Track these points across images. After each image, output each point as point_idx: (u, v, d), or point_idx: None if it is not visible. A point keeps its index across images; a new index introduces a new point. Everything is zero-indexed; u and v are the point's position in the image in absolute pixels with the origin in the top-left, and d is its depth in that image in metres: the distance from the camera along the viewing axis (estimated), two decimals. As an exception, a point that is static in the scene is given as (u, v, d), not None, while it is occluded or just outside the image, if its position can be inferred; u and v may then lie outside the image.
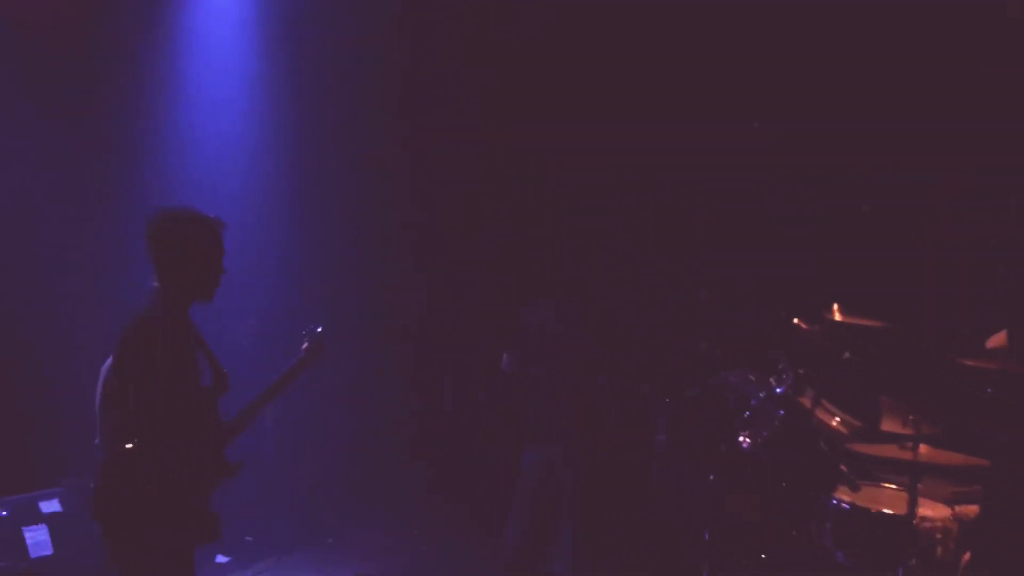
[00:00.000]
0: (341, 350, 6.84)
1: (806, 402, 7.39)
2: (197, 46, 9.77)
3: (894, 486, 7.23)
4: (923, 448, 6.71)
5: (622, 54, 9.35)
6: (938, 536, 6.79)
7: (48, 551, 8.26)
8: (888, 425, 7.23)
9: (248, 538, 8.86)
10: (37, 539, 8.26)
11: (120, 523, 5.50)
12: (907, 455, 6.72)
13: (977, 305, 7.88)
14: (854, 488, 7.07)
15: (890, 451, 7.01)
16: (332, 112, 10.15)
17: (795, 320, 7.54)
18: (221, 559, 8.52)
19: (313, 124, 10.18)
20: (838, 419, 7.46)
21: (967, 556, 6.69)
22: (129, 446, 5.37)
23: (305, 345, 6.48)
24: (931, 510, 6.92)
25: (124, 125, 9.36)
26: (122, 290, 8.65)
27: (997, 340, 6.90)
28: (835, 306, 7.35)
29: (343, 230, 10.47)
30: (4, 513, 8.18)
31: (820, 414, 7.42)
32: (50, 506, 8.46)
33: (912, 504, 6.67)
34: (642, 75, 9.26)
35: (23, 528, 8.23)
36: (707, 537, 7.43)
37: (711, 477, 7.52)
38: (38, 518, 8.37)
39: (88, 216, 9.21)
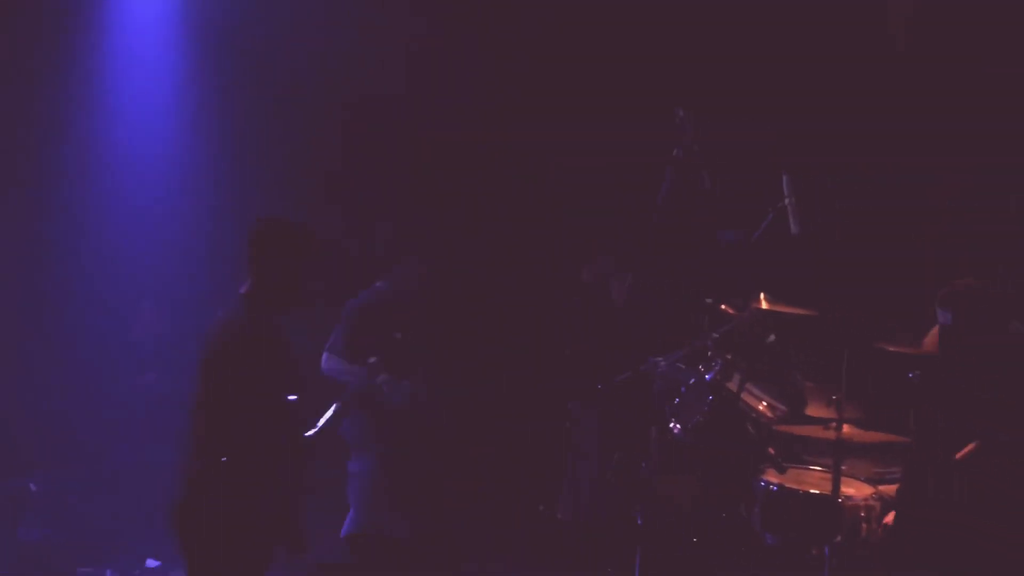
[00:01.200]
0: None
1: (734, 387, 7.41)
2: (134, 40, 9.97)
3: (819, 468, 7.34)
4: (846, 428, 6.77)
5: (622, 54, 9.40)
6: (862, 514, 6.96)
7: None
8: (813, 411, 7.29)
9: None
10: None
11: (200, 535, 5.57)
12: (831, 435, 6.74)
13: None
14: (781, 470, 7.14)
15: (815, 431, 7.06)
16: (327, 112, 10.30)
17: (723, 306, 7.59)
18: (151, 563, 8.61)
19: (307, 121, 10.32)
20: (764, 403, 7.50)
21: (889, 517, 6.82)
22: (214, 457, 5.49)
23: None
24: (855, 489, 7.09)
25: (44, 123, 9.62)
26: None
27: (931, 339, 6.91)
28: (762, 295, 7.39)
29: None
30: None
31: (747, 398, 7.46)
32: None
33: (836, 483, 6.74)
34: (641, 76, 9.30)
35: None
36: (639, 522, 7.45)
37: (643, 463, 7.55)
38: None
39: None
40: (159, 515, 5.99)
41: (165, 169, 9.93)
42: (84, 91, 9.77)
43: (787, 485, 7.10)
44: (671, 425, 7.50)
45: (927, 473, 6.52)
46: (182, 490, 5.60)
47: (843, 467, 6.85)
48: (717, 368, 7.47)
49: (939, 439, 6.51)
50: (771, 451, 7.22)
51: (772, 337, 7.50)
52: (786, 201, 7.43)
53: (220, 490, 5.47)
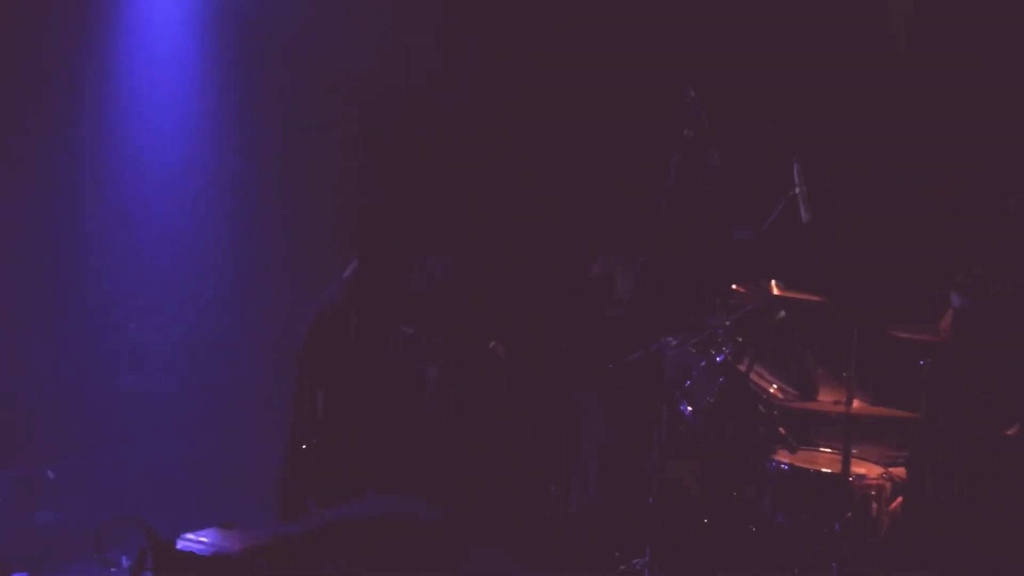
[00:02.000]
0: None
1: (744, 369, 7.39)
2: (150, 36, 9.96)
3: (830, 450, 7.34)
4: (857, 404, 6.76)
5: (622, 53, 9.41)
6: (872, 493, 6.92)
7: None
8: (825, 397, 7.29)
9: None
10: None
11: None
12: (841, 409, 6.75)
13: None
14: (792, 450, 7.11)
15: (826, 407, 7.11)
16: (328, 112, 10.29)
17: (734, 286, 7.58)
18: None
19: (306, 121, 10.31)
20: (775, 386, 7.49)
21: (898, 500, 6.81)
22: (304, 445, 6.01)
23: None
24: (865, 469, 7.08)
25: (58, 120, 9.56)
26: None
27: (946, 321, 6.93)
28: (773, 282, 7.38)
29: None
30: None
31: (758, 380, 7.44)
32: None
33: (846, 459, 6.74)
34: (642, 75, 9.31)
35: None
36: (650, 502, 7.40)
37: (652, 447, 7.52)
38: None
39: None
40: (166, 504, 5.98)
41: (172, 165, 9.90)
42: (97, 87, 9.73)
43: (798, 464, 7.08)
44: (683, 407, 7.44)
45: (927, 473, 6.53)
46: (288, 451, 6.09)
47: (854, 450, 6.86)
48: (728, 350, 7.43)
49: (940, 439, 6.51)
50: (782, 431, 7.18)
51: (782, 313, 7.47)
52: (796, 190, 7.42)
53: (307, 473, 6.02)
